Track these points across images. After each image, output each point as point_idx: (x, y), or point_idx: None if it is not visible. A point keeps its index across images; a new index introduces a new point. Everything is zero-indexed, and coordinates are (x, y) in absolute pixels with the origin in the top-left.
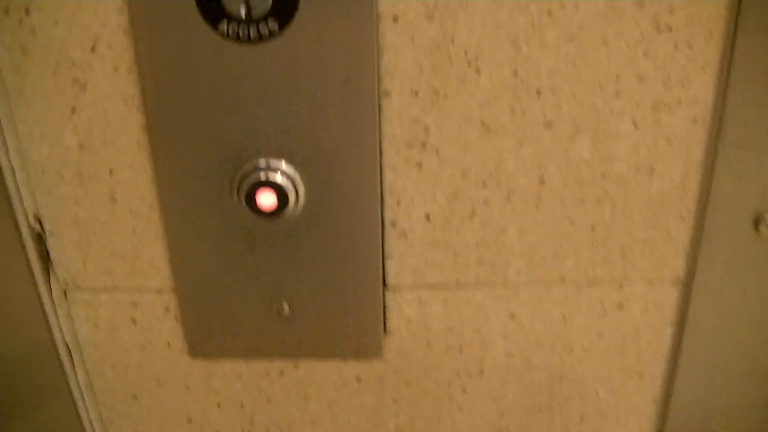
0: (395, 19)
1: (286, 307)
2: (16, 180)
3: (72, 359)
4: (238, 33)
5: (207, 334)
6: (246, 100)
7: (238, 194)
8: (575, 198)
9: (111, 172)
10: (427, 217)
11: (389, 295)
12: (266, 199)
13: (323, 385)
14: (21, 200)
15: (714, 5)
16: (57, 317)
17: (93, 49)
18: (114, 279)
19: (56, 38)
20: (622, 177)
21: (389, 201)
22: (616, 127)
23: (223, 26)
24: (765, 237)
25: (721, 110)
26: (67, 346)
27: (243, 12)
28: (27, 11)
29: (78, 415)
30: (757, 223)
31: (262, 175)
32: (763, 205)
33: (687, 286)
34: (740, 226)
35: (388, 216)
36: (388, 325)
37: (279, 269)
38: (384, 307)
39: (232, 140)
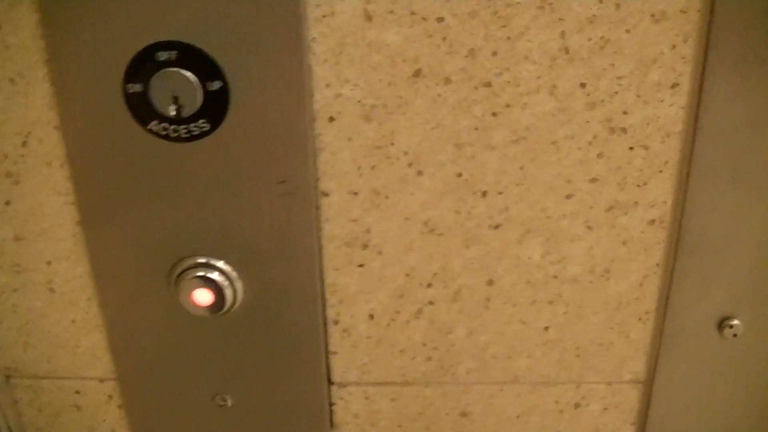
0: (331, 120)
1: (228, 400)
2: None
3: None
4: (169, 132)
5: (151, 423)
6: (180, 198)
7: (176, 290)
8: (526, 299)
9: (48, 263)
10: (371, 316)
11: (335, 391)
12: (203, 297)
13: None
14: None
15: (670, 107)
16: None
17: (24, 144)
18: (55, 367)
19: None
20: (575, 279)
21: (331, 300)
22: (568, 230)
23: (154, 125)
24: (729, 339)
25: (681, 211)
26: (11, 430)
27: (173, 111)
28: None
29: None
30: (721, 326)
31: (199, 273)
32: (727, 308)
33: (648, 386)
34: (703, 328)
35: (331, 314)
36: (335, 419)
37: (220, 363)
38: (330, 402)
39: (169, 237)
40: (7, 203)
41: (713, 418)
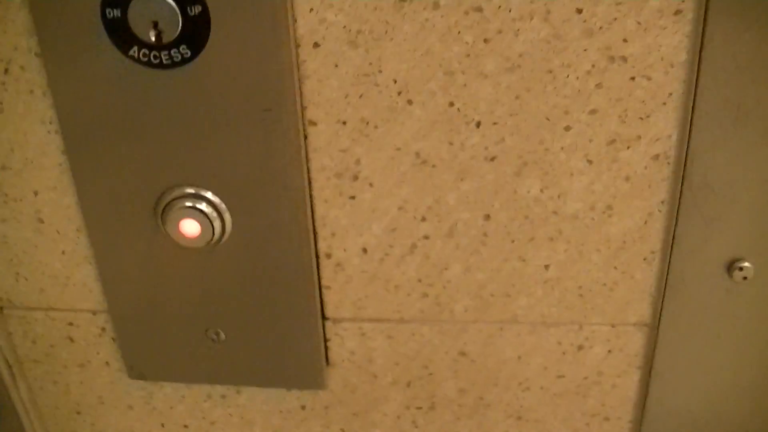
0: (316, 46)
1: (221, 334)
2: None
3: (13, 375)
4: (150, 58)
5: (144, 357)
6: (165, 127)
7: (162, 221)
8: (525, 236)
9: (36, 193)
10: (364, 250)
11: (329, 327)
12: (190, 227)
13: (267, 411)
14: None
15: (673, 35)
16: None
17: (6, 71)
18: (48, 298)
19: None
20: (576, 215)
21: (322, 232)
22: (567, 163)
23: (134, 51)
24: (739, 283)
25: (686, 147)
26: (7, 361)
27: (152, 37)
28: None
29: (23, 430)
30: (730, 268)
31: (187, 203)
32: (737, 250)
33: (653, 329)
34: (711, 270)
35: (322, 248)
36: (330, 356)
37: (212, 296)
38: (325, 338)
39: (154, 167)
40: None
41: (721, 364)
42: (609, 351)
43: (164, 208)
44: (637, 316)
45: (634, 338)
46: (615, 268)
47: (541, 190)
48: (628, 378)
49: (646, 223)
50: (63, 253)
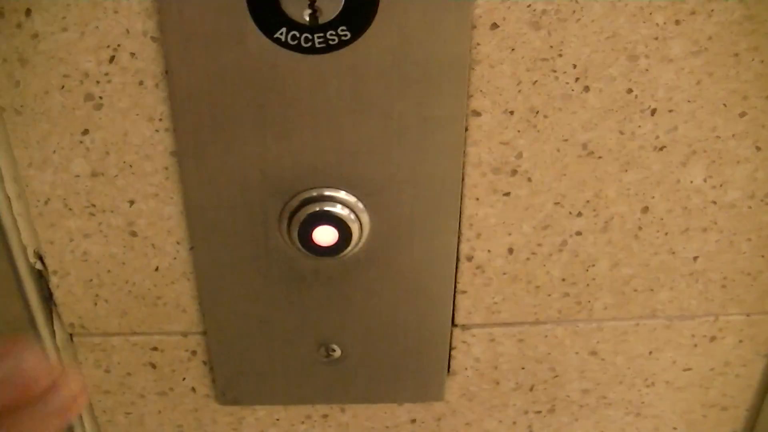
0: (494, 27)
1: (337, 351)
2: (12, 211)
3: None
4: (300, 41)
5: (240, 380)
6: (304, 119)
7: (288, 229)
8: (679, 227)
9: (131, 202)
10: (510, 251)
11: (457, 334)
12: (325, 235)
13: (371, 428)
14: (18, 234)
15: None
16: (60, 363)
17: (112, 60)
18: (130, 322)
19: (65, 45)
20: (734, 204)
21: (467, 233)
22: (735, 151)
23: (281, 33)
24: None
25: None
26: None
27: (307, 17)
28: (28, 12)
29: None
30: None
31: (318, 207)
32: None
33: None
34: None
35: (464, 250)
36: (453, 365)
37: (330, 309)
38: (450, 346)
39: (284, 167)
40: (85, 132)
41: None
42: (740, 341)
43: (291, 215)
44: None
45: (767, 327)
46: (762, 256)
47: (705, 180)
48: (753, 366)
49: None
50: (156, 270)
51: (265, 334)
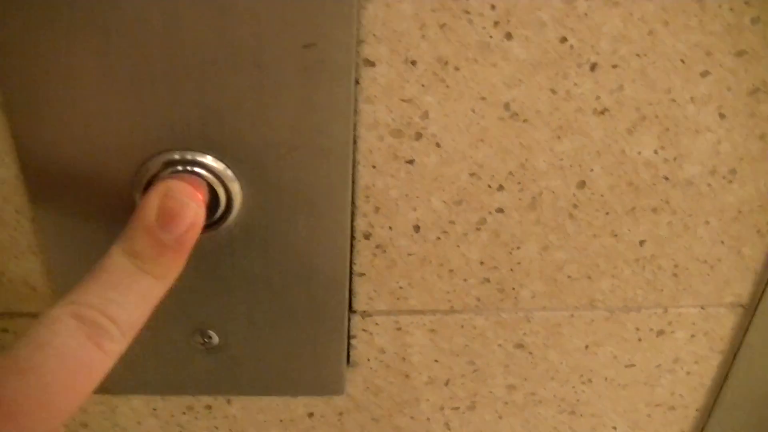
0: None
1: (214, 337)
2: None
3: None
4: None
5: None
6: (158, 70)
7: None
8: (624, 206)
9: None
10: (416, 228)
11: (357, 322)
12: None
13: (264, 422)
14: None
15: None
16: None
17: None
18: None
19: None
20: (691, 181)
21: (363, 207)
22: (695, 118)
23: None
24: None
25: None
26: None
27: None
28: None
29: None
30: None
31: (180, 169)
32: None
33: (749, 310)
34: None
35: (361, 226)
36: (353, 356)
37: (204, 291)
38: (349, 335)
39: (136, 126)
40: None
41: None
42: (692, 335)
43: (148, 180)
44: (733, 295)
45: (724, 320)
46: (722, 242)
47: (656, 151)
48: (706, 364)
49: None
50: None
51: None
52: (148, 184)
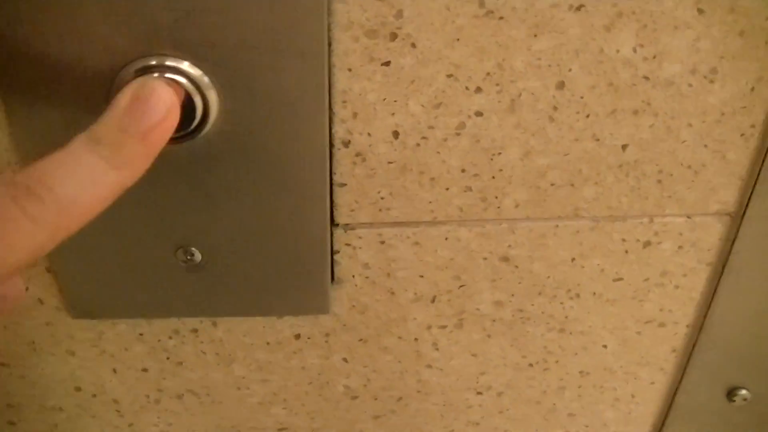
0: None
1: (196, 254)
2: None
3: None
4: None
5: (91, 291)
6: None
7: None
8: (605, 108)
9: None
10: (395, 134)
11: (339, 235)
12: None
13: (250, 345)
14: None
15: None
16: None
17: None
18: None
19: None
20: (671, 81)
21: (341, 113)
22: (672, 14)
23: None
24: None
25: None
26: None
27: None
28: None
29: None
30: None
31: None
32: None
33: (736, 219)
34: None
35: (339, 133)
36: (338, 272)
37: (184, 205)
38: (332, 250)
39: (109, 31)
40: None
41: None
42: (679, 247)
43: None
44: (719, 203)
45: (711, 230)
46: (705, 146)
47: (634, 49)
48: (695, 277)
49: (753, 89)
50: None
51: (112, 234)
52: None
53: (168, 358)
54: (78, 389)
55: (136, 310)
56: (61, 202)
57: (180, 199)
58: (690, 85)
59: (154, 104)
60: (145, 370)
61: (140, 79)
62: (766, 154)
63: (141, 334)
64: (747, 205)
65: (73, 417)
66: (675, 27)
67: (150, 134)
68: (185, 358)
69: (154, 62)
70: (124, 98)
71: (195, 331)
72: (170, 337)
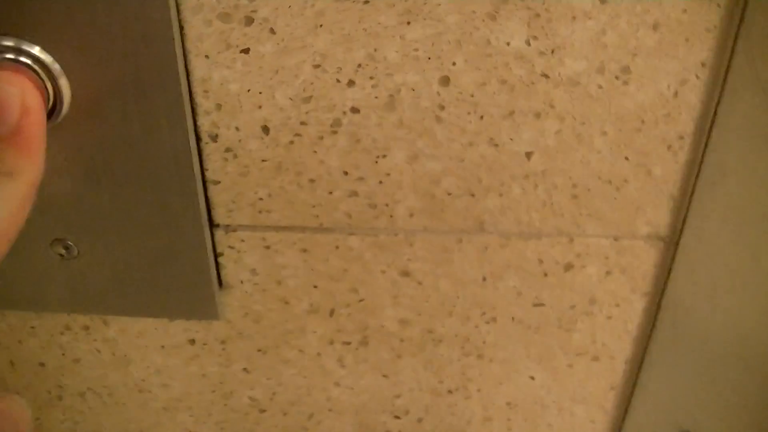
0: None
1: (73, 248)
2: None
3: None
4: None
5: None
6: None
7: None
8: (501, 109)
9: None
10: (265, 129)
11: (221, 237)
12: None
13: (144, 346)
14: None
15: None
16: None
17: None
18: None
19: None
20: (576, 80)
21: (204, 104)
22: (569, 2)
23: None
24: None
25: None
26: None
27: None
28: None
29: None
30: None
31: (8, 56)
32: None
33: (670, 244)
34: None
35: (205, 125)
36: (224, 276)
37: (54, 196)
38: (215, 252)
39: None
40: None
41: (756, 287)
42: (607, 272)
43: None
44: (650, 226)
45: (643, 256)
46: (626, 158)
47: (528, 42)
48: (629, 307)
49: (676, 94)
50: None
51: None
52: None
53: (63, 354)
54: None
55: (18, 303)
56: None
57: (49, 188)
58: (600, 87)
59: (8, 100)
60: (42, 364)
61: None
62: (699, 171)
63: (33, 327)
64: (682, 229)
65: None
66: (573, 17)
67: (21, 128)
68: (81, 355)
69: (5, 42)
70: None
71: (86, 328)
72: (62, 333)
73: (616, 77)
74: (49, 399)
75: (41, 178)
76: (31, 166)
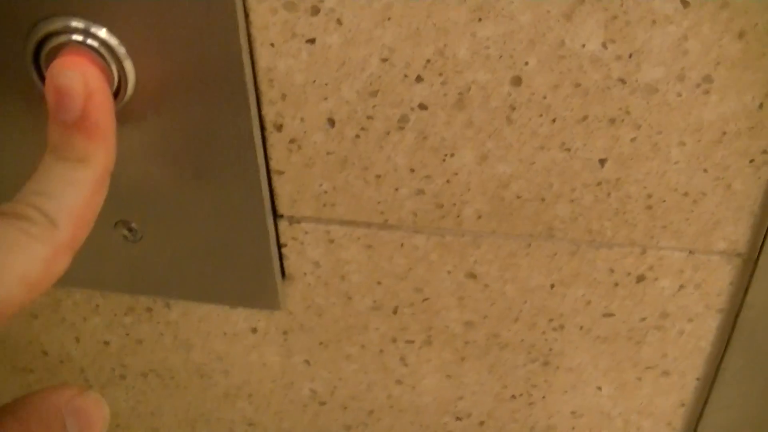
0: None
1: (137, 231)
2: None
3: None
4: None
5: None
6: None
7: (38, 70)
8: (574, 113)
9: None
10: (331, 122)
11: (284, 227)
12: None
13: (207, 332)
14: None
15: None
16: None
17: None
18: None
19: None
20: (654, 87)
21: (269, 93)
22: (649, 4)
23: None
24: None
25: None
26: None
27: None
28: None
29: None
30: None
31: (74, 38)
32: None
33: (748, 262)
34: None
35: (270, 115)
36: (287, 267)
37: (117, 177)
38: (278, 242)
39: None
40: None
41: None
42: (681, 286)
43: (37, 49)
44: (727, 241)
45: (719, 272)
46: (705, 171)
47: (604, 44)
48: (703, 323)
49: (761, 106)
50: None
51: None
52: (38, 56)
53: (127, 335)
54: (45, 353)
55: (83, 281)
56: (60, 217)
57: (114, 170)
58: (679, 95)
59: (72, 85)
60: (106, 343)
61: (51, 66)
62: None
63: (97, 306)
64: (761, 246)
65: (44, 380)
66: (653, 21)
67: (88, 113)
68: (144, 336)
69: (80, 24)
70: (49, 95)
71: (149, 310)
72: (125, 314)
73: (697, 86)
74: (112, 377)
75: (114, 162)
76: (103, 150)
